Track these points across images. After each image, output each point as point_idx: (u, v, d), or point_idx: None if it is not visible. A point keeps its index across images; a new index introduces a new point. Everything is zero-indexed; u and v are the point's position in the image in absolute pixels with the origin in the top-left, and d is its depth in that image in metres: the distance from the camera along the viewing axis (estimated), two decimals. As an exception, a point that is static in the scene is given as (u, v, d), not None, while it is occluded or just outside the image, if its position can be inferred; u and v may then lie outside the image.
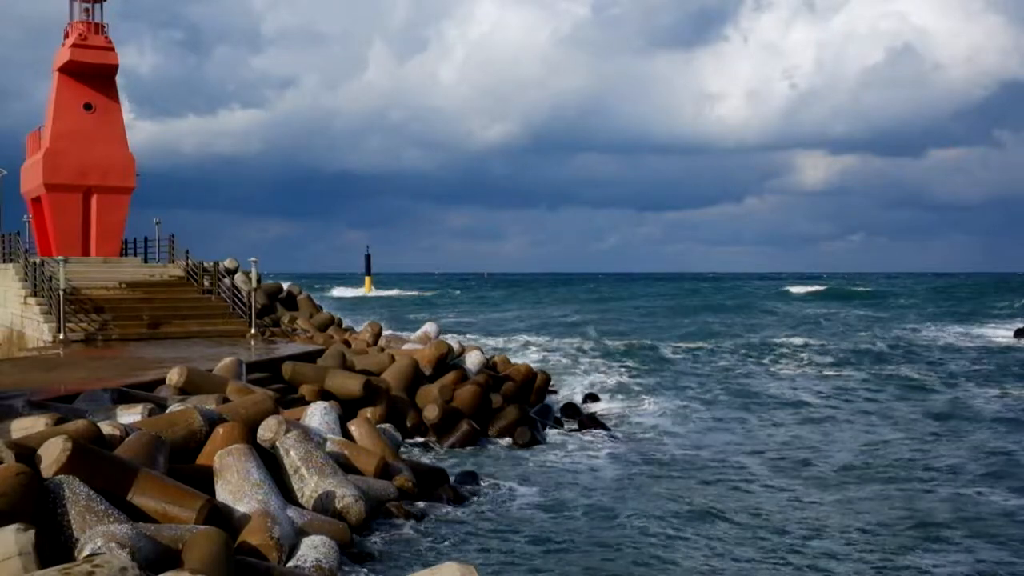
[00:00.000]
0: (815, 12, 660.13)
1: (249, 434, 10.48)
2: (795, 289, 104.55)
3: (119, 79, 30.25)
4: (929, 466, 15.66)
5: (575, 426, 19.24)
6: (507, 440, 17.42)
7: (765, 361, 33.30)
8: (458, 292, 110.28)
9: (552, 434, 18.49)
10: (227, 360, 16.19)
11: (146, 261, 31.14)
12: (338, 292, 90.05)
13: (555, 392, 23.02)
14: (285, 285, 31.28)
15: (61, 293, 23.27)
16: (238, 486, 9.15)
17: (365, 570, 9.24)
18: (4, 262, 29.83)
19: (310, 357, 19.01)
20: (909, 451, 17.06)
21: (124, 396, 13.29)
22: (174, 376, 14.52)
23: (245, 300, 26.20)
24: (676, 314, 63.64)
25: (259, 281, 26.68)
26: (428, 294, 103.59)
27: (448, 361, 19.84)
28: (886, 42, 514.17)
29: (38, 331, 24.03)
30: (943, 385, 26.74)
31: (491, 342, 36.76)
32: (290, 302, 30.50)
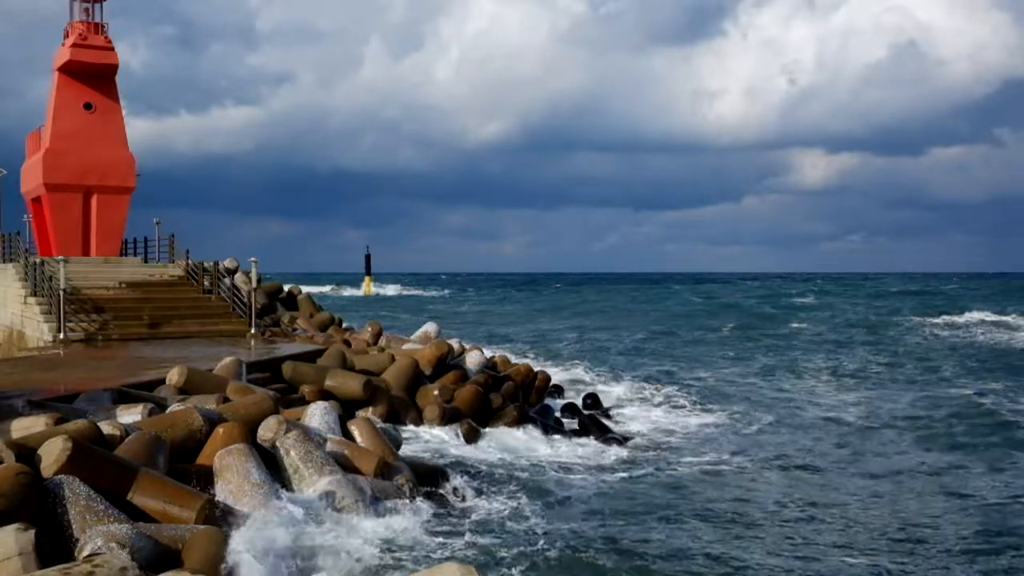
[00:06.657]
0: (815, 8, 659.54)
1: (249, 434, 10.48)
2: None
3: (114, 77, 30.26)
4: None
5: (575, 427, 19.20)
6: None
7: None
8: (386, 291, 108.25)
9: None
10: (227, 360, 16.18)
11: (146, 261, 31.13)
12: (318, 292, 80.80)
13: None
14: (286, 287, 31.26)
15: (61, 293, 23.27)
16: (238, 486, 9.16)
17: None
18: (4, 262, 29.83)
19: (310, 357, 18.99)
20: None
21: (124, 396, 13.30)
22: (174, 376, 14.52)
23: (245, 300, 26.19)
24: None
25: (259, 281, 26.67)
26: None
27: (448, 361, 19.83)
28: (889, 38, 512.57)
29: (38, 331, 24.02)
30: None
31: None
32: (290, 302, 30.51)
